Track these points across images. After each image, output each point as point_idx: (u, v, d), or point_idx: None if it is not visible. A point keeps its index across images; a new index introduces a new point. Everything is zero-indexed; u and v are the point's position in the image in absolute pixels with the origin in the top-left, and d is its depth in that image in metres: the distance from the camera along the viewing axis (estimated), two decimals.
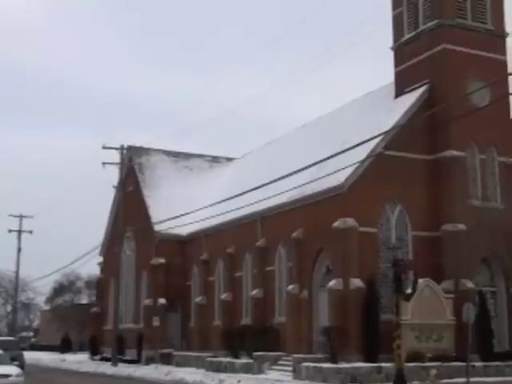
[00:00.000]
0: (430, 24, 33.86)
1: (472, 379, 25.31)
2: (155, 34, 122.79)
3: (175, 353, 42.36)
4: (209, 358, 36.08)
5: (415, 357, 27.76)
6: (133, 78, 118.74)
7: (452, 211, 31.86)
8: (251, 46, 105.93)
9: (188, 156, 55.51)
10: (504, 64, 33.86)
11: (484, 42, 33.92)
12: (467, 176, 32.78)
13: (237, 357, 34.39)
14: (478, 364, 28.37)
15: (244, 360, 33.39)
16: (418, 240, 32.08)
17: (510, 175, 33.49)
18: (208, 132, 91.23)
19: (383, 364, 26.89)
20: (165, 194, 48.37)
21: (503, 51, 34.41)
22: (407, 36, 35.28)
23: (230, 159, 57.22)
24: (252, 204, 34.42)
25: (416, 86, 33.84)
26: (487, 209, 32.35)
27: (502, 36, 34.79)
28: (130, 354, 45.68)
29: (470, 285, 30.99)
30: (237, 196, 31.86)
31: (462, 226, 31.41)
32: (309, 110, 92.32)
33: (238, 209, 35.63)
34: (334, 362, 27.94)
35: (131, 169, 50.91)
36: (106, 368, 39.51)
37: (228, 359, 34.44)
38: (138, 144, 51.86)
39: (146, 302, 46.26)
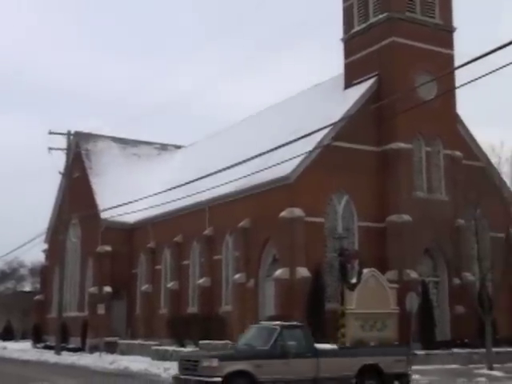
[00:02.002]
0: (379, 17, 34.18)
1: (414, 367, 25.72)
2: (105, 20, 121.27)
3: (120, 341, 42.00)
4: (154, 347, 35.87)
5: (359, 345, 28.09)
6: (82, 65, 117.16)
7: (397, 202, 32.32)
8: (205, 34, 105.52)
9: (136, 143, 55.00)
10: (451, 58, 34.41)
11: (432, 36, 34.40)
12: (413, 168, 33.29)
13: (183, 345, 34.29)
14: (420, 352, 28.88)
15: (189, 348, 33.30)
16: (364, 230, 32.45)
17: (455, 168, 34.10)
18: (157, 120, 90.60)
19: None
20: (112, 180, 47.82)
21: (451, 45, 34.97)
22: (357, 28, 35.56)
23: (178, 147, 56.89)
24: (200, 193, 34.30)
25: (365, 77, 34.15)
26: (432, 200, 32.90)
27: (450, 30, 35.36)
28: (74, 342, 45.14)
29: (413, 275, 31.51)
30: (185, 184, 31.65)
31: (407, 218, 31.88)
32: (259, 100, 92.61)
33: (185, 197, 35.44)
34: None
35: (78, 155, 50.20)
36: (49, 356, 38.90)
37: (174, 348, 34.31)
38: (86, 130, 51.13)
39: (91, 289, 45.76)
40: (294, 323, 19.81)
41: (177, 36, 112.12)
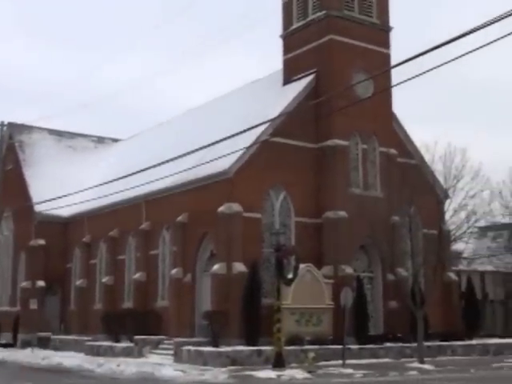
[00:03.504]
0: (318, 14, 34.46)
1: (348, 361, 26.15)
2: (42, 8, 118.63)
3: (53, 336, 41.34)
4: (88, 342, 35.44)
5: (294, 340, 28.35)
6: (17, 54, 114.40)
7: (334, 199, 32.68)
8: (150, 24, 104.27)
9: (72, 135, 54.14)
10: (387, 57, 34.95)
11: (369, 34, 34.87)
12: (349, 165, 33.70)
13: (117, 341, 33.95)
14: (354, 347, 29.32)
15: (124, 344, 33.03)
16: (301, 226, 32.71)
17: (390, 165, 34.66)
18: (93, 112, 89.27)
19: (263, 347, 27.28)
20: (47, 173, 46.96)
21: (387, 45, 35.52)
22: (296, 25, 35.75)
23: (115, 140, 56.22)
24: (137, 187, 33.98)
25: (303, 74, 34.38)
26: (367, 197, 33.37)
27: (387, 30, 35.90)
28: (6, 337, 44.15)
29: (348, 270, 31.92)
30: (121, 178, 31.34)
31: (342, 214, 32.26)
32: (199, 95, 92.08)
33: (122, 191, 35.05)
34: (215, 345, 28.10)
35: (11, 147, 49.09)
36: None
37: (108, 343, 33.95)
38: (19, 121, 50.06)
39: (24, 284, 44.81)
40: None
41: (117, 26, 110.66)
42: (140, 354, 31.44)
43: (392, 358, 29.70)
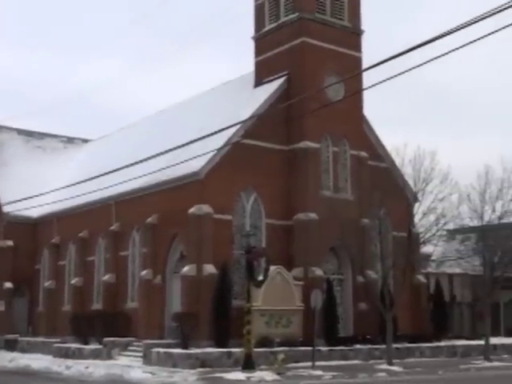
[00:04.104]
0: (290, 16, 34.55)
1: (317, 363, 26.22)
2: (12, 8, 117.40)
3: (21, 338, 40.80)
4: (56, 344, 35.07)
5: (264, 342, 28.35)
6: None
7: (304, 201, 32.77)
8: (120, 25, 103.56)
9: (41, 135, 53.60)
10: (359, 60, 35.15)
11: (341, 38, 35.05)
12: (320, 167, 33.82)
13: (86, 343, 33.67)
14: (324, 348, 29.41)
15: (93, 346, 32.76)
16: (272, 228, 32.75)
17: (361, 168, 34.87)
18: (64, 113, 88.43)
19: (233, 349, 27.25)
20: (15, 173, 46.45)
21: (358, 48, 35.72)
22: (268, 27, 35.81)
23: (85, 140, 55.76)
24: (106, 188, 33.72)
25: (275, 76, 34.44)
26: (338, 200, 33.51)
27: (358, 33, 36.10)
28: None
29: (318, 272, 32.02)
30: (91, 179, 31.05)
31: (313, 216, 32.37)
32: (170, 97, 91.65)
33: (91, 192, 34.78)
34: (185, 347, 28.01)
35: None
36: None
37: (76, 345, 33.65)
38: None
39: None
40: None
41: (88, 25, 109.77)
42: (109, 356, 31.21)
43: (361, 360, 29.86)
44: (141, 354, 29.48)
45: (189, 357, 26.59)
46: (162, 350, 27.94)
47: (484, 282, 32.66)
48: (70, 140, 55.39)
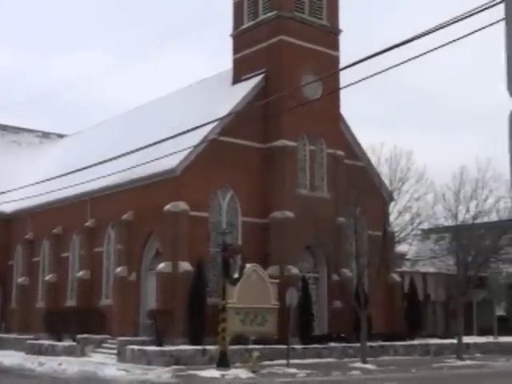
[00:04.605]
0: (269, 14, 34.54)
1: (292, 361, 26.25)
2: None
3: None
4: (29, 341, 34.80)
5: (239, 339, 28.36)
6: None
7: (281, 199, 32.79)
8: (101, 20, 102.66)
9: (17, 130, 53.15)
10: (336, 59, 35.24)
11: (319, 36, 35.11)
12: (297, 166, 33.87)
13: (59, 339, 33.43)
14: (298, 346, 29.48)
15: (67, 343, 32.54)
16: (248, 226, 32.73)
17: (337, 167, 34.96)
18: (40, 107, 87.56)
19: (208, 346, 27.21)
20: None
21: (336, 47, 35.81)
22: (247, 24, 35.77)
23: (61, 136, 55.34)
24: (82, 184, 33.44)
25: (253, 74, 34.42)
26: (314, 198, 33.59)
27: (336, 32, 36.19)
28: None
29: (294, 271, 32.07)
30: (66, 174, 30.76)
31: (289, 214, 32.40)
32: (147, 93, 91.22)
33: (66, 188, 34.44)
34: (159, 344, 27.91)
35: None
36: None
37: (50, 342, 33.40)
38: None
39: None
40: None
41: (67, 21, 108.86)
42: (83, 353, 31.02)
43: (336, 358, 29.97)
44: (115, 351, 29.34)
45: (163, 354, 26.51)
46: (136, 347, 27.82)
47: (458, 282, 32.92)
48: (46, 135, 54.96)
